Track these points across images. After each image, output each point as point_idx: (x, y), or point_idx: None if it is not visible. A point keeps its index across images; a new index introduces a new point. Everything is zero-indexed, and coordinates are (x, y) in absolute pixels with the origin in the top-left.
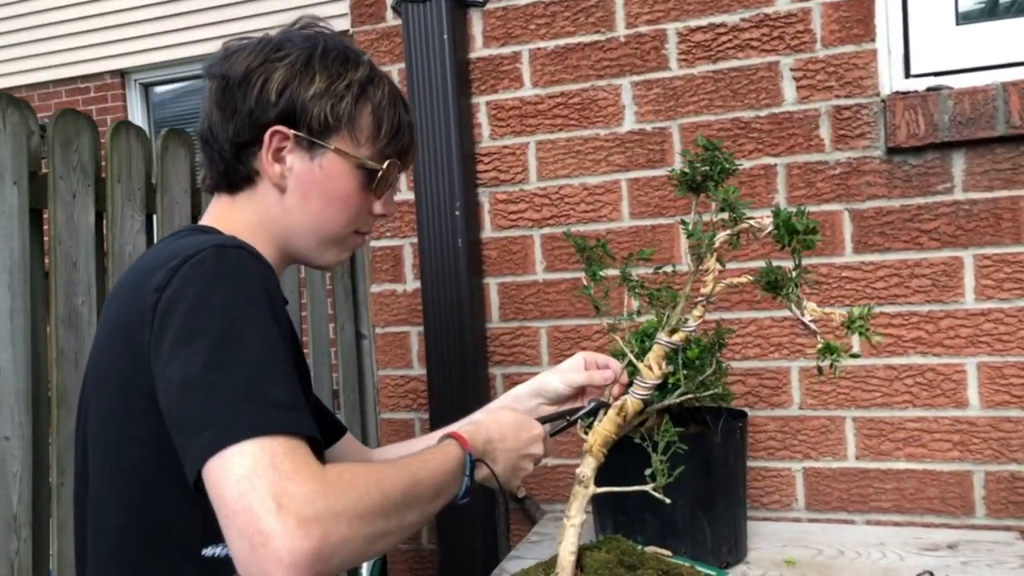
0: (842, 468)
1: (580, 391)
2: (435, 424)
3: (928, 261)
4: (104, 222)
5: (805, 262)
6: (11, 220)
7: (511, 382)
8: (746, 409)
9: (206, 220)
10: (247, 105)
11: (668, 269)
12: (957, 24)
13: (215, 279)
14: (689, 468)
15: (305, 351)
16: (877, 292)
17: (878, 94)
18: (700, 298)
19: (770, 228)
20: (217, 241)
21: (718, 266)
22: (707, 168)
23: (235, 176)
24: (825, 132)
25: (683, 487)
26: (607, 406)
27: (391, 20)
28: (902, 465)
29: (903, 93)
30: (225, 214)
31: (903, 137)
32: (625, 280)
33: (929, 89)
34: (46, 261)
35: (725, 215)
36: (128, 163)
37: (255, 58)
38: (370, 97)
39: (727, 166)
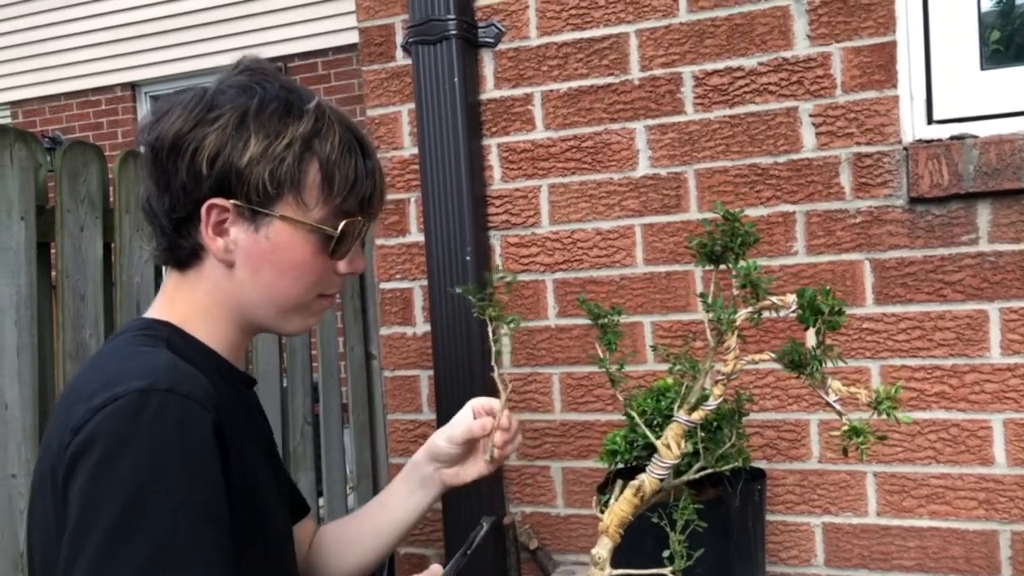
0: (863, 524)
1: (468, 446)
2: None
3: (952, 314)
4: (112, 253)
5: None
6: (18, 256)
7: (524, 429)
8: (764, 463)
9: (158, 304)
10: (179, 178)
11: (683, 318)
12: (982, 69)
13: (126, 438)
14: (707, 536)
15: (314, 365)
16: (899, 344)
17: (900, 141)
18: (721, 377)
19: (794, 307)
20: (144, 383)
21: (739, 343)
22: (727, 239)
23: (180, 252)
24: (845, 180)
25: (701, 555)
26: (489, 527)
27: (401, 60)
28: (925, 523)
29: (926, 141)
30: (176, 295)
31: (926, 187)
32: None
33: (953, 137)
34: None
35: (746, 290)
36: (136, 193)
37: (184, 122)
38: (316, 152)
39: (747, 238)
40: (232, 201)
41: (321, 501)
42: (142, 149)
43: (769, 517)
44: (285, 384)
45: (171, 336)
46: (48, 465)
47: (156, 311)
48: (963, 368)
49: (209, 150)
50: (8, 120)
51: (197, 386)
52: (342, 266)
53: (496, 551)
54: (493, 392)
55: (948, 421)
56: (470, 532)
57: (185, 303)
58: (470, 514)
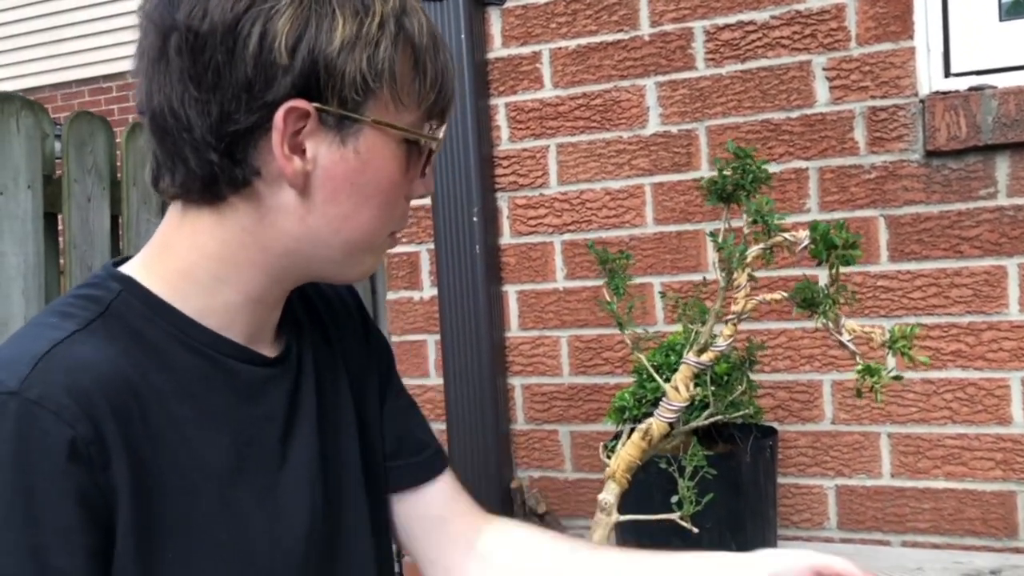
0: (877, 486)
1: None
2: (452, 436)
3: (969, 270)
4: (119, 225)
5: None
6: (25, 225)
7: (531, 393)
8: (776, 425)
9: (150, 247)
10: (240, 73)
11: (697, 278)
12: (1000, 20)
13: None
14: (717, 490)
15: None
16: (914, 302)
17: (916, 94)
18: (731, 316)
19: (806, 242)
20: (8, 384)
21: (750, 282)
22: (738, 177)
23: (223, 180)
24: (860, 134)
25: (711, 509)
26: None
27: None
28: (941, 484)
29: (943, 93)
30: (183, 238)
31: (943, 140)
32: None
33: (971, 89)
34: (61, 264)
35: (757, 226)
36: (144, 165)
37: None
38: (410, 34)
39: (759, 175)
40: (315, 104)
41: None
42: (156, 40)
43: (781, 480)
44: None
45: (118, 300)
46: None
47: (143, 261)
48: (980, 326)
49: (286, 31)
50: None
51: (64, 384)
52: (419, 186)
53: (504, 516)
54: (500, 357)
55: (964, 380)
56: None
57: (191, 249)
58: (477, 478)
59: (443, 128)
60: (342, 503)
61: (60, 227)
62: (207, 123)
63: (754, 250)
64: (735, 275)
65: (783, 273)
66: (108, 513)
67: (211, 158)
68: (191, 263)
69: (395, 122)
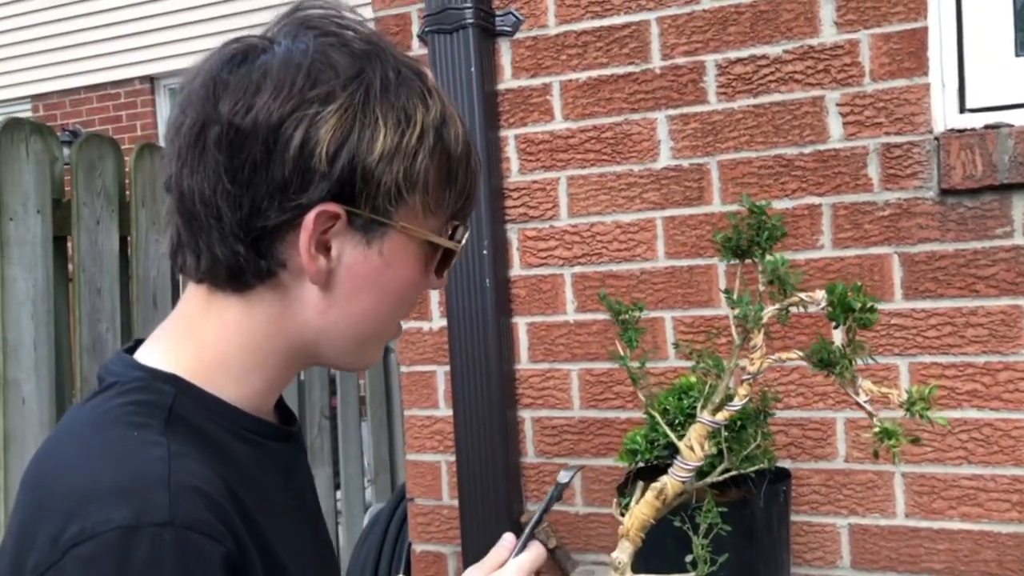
0: (891, 526)
1: None
2: (461, 468)
3: (985, 309)
4: (128, 247)
5: None
6: (35, 249)
7: (541, 426)
8: (788, 462)
9: (175, 334)
10: (278, 175)
11: (708, 313)
12: (1017, 55)
13: None
14: (730, 539)
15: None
16: (929, 341)
17: (931, 131)
18: (746, 376)
19: (823, 304)
20: (129, 513)
21: (765, 341)
22: (753, 233)
23: (244, 271)
24: (874, 171)
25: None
26: (564, 486)
27: (417, 49)
28: (956, 525)
29: (959, 131)
30: (207, 324)
31: (958, 178)
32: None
33: (987, 126)
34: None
35: (773, 286)
36: (152, 186)
37: (285, 95)
38: (447, 144)
39: (774, 232)
40: (347, 208)
41: (338, 494)
42: (195, 126)
43: (794, 517)
44: (302, 377)
45: (177, 403)
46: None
47: (165, 347)
48: (996, 365)
49: (329, 139)
50: (29, 113)
51: (202, 503)
52: (434, 282)
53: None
54: (510, 390)
55: (980, 420)
56: (486, 530)
57: (221, 340)
58: (486, 512)
59: (465, 233)
60: (329, 561)
61: (70, 251)
62: (237, 216)
63: (770, 311)
64: (751, 335)
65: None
66: None
67: (238, 249)
68: (223, 353)
69: (422, 227)
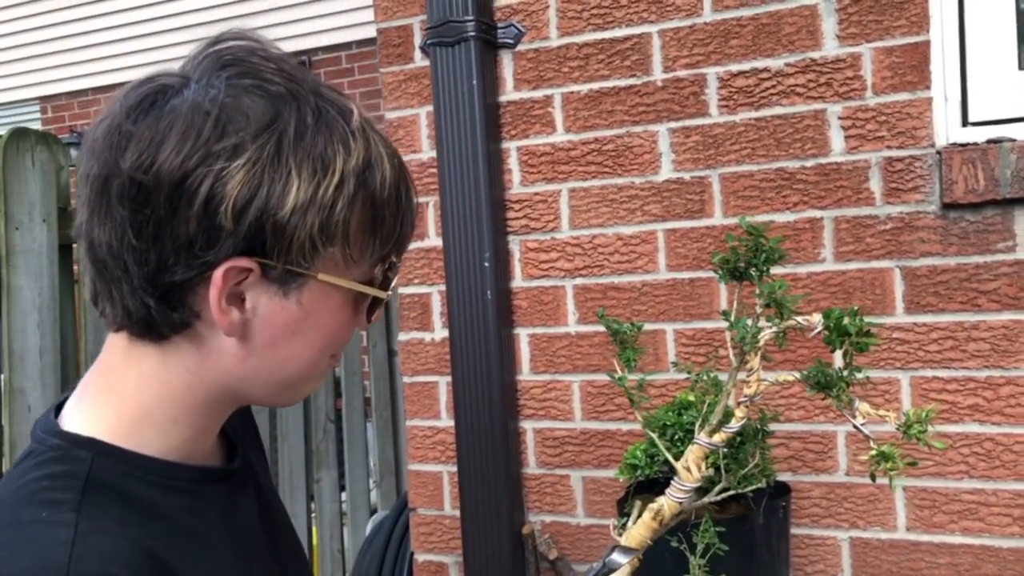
0: (892, 539)
1: None
2: (462, 479)
3: (987, 324)
4: None
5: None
6: (41, 258)
7: (542, 437)
8: (788, 476)
9: (93, 392)
10: (183, 231)
11: (710, 325)
12: (1020, 68)
13: None
14: (729, 555)
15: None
16: (930, 355)
17: (933, 145)
18: (743, 398)
19: (819, 328)
20: None
21: (762, 363)
22: (751, 255)
23: (158, 323)
24: (875, 185)
25: (723, 574)
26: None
27: (419, 61)
28: (957, 539)
29: (961, 145)
30: (126, 377)
31: (960, 193)
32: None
33: (989, 141)
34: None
35: (770, 309)
36: None
37: (190, 148)
38: (370, 189)
39: (771, 255)
40: (259, 260)
41: (344, 496)
42: (99, 178)
43: (794, 531)
44: None
45: (95, 469)
46: None
47: (85, 407)
48: (998, 380)
49: (235, 195)
50: (37, 115)
51: None
52: (365, 324)
53: (515, 561)
54: (512, 401)
55: (982, 435)
56: (488, 540)
57: (141, 392)
58: (488, 522)
59: (396, 276)
60: None
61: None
62: (144, 271)
63: (767, 334)
64: (748, 357)
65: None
66: None
67: (148, 302)
68: (143, 407)
69: (344, 276)
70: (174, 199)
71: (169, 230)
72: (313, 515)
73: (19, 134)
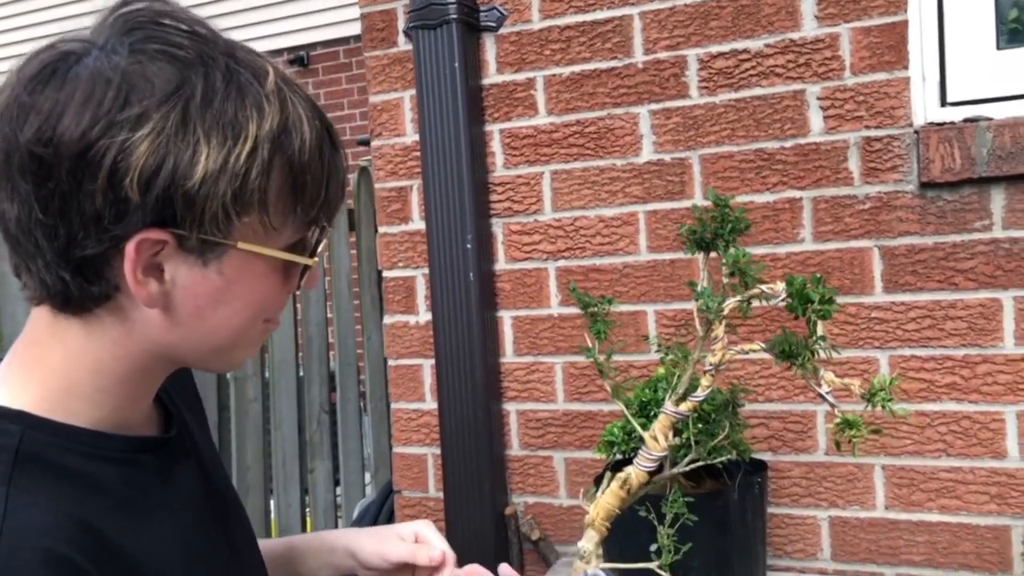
0: (870, 518)
1: (403, 568)
2: (446, 461)
3: (964, 302)
4: None
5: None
6: None
7: (525, 419)
8: (768, 455)
9: (18, 363)
10: (89, 205)
11: (690, 306)
12: (998, 48)
13: None
14: (703, 530)
15: (331, 354)
16: (909, 334)
17: (911, 125)
18: (708, 367)
19: (783, 296)
20: None
21: (728, 332)
22: (717, 225)
23: (80, 296)
24: (854, 164)
25: (697, 549)
26: None
27: (403, 45)
28: (935, 517)
29: (938, 124)
30: (51, 348)
31: (937, 172)
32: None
33: (966, 120)
34: None
35: (735, 278)
36: None
37: (90, 119)
38: (287, 153)
39: (737, 225)
40: (173, 230)
41: (338, 490)
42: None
43: (774, 510)
44: (301, 374)
45: (25, 442)
46: None
47: (13, 381)
48: (975, 359)
49: (140, 167)
50: None
51: (38, 559)
52: (302, 284)
53: (498, 542)
54: (495, 383)
55: (959, 413)
56: (471, 522)
57: (68, 364)
58: (471, 504)
59: (322, 242)
60: (249, 551)
61: None
62: (55, 246)
63: (731, 302)
64: (713, 326)
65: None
66: None
67: (63, 276)
68: (71, 379)
69: (265, 244)
70: (77, 172)
71: (75, 204)
72: (308, 508)
73: None
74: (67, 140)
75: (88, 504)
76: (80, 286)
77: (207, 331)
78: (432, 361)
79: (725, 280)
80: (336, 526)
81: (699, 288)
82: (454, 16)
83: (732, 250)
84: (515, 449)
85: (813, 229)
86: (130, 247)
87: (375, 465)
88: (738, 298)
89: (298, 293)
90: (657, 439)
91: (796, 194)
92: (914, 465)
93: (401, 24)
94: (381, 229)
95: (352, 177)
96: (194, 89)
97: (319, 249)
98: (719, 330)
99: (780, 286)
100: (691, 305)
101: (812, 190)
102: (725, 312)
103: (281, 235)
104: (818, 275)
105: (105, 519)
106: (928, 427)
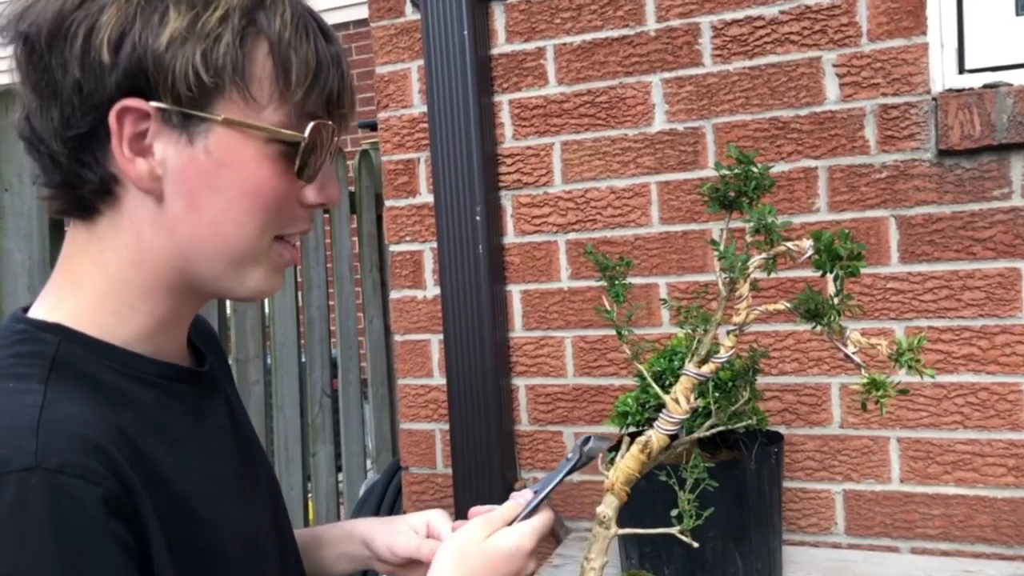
0: (885, 491)
1: (410, 563)
2: (455, 436)
3: (982, 272)
4: None
5: None
6: (31, 221)
7: (535, 394)
8: (782, 429)
9: (54, 282)
10: (70, 75)
11: (703, 278)
12: (1017, 14)
13: None
14: (720, 499)
15: (333, 340)
16: (925, 305)
17: (929, 92)
18: (732, 327)
19: (810, 252)
20: (21, 462)
21: (752, 291)
22: (740, 183)
23: (82, 190)
24: (870, 133)
25: (713, 518)
26: (587, 460)
27: (410, 15)
28: (951, 490)
29: (956, 91)
30: (79, 264)
31: (956, 139)
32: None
33: (986, 86)
34: None
35: (759, 235)
36: None
37: None
38: (263, 29)
39: (761, 182)
40: (153, 103)
41: (340, 476)
42: (10, 48)
43: (788, 484)
44: (303, 359)
45: (62, 352)
46: None
47: (48, 297)
48: (993, 329)
49: (109, 29)
50: None
51: (76, 445)
52: (311, 194)
53: None
54: (504, 358)
55: (977, 384)
56: (480, 498)
57: (93, 277)
58: (480, 480)
59: (343, 124)
60: (274, 494)
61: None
62: (50, 130)
63: (756, 260)
64: (737, 285)
65: (790, 274)
66: (145, 552)
67: (62, 162)
68: (99, 292)
69: (252, 121)
70: (55, 44)
71: (61, 78)
72: (309, 495)
73: (7, 94)
74: (46, 16)
75: (124, 416)
76: (78, 176)
77: (208, 227)
78: (440, 336)
79: (749, 238)
80: (338, 510)
81: (721, 247)
82: None
83: (756, 208)
84: (524, 424)
85: (828, 199)
86: (112, 117)
87: (377, 450)
88: (763, 255)
89: (299, 279)
90: (679, 402)
91: (811, 163)
92: (930, 437)
93: None
94: (388, 203)
95: (352, 163)
96: None
97: (328, 147)
98: (743, 288)
99: (807, 243)
100: (704, 277)
101: (828, 159)
102: (750, 270)
103: (269, 113)
104: (846, 231)
105: (140, 434)
106: (945, 399)
